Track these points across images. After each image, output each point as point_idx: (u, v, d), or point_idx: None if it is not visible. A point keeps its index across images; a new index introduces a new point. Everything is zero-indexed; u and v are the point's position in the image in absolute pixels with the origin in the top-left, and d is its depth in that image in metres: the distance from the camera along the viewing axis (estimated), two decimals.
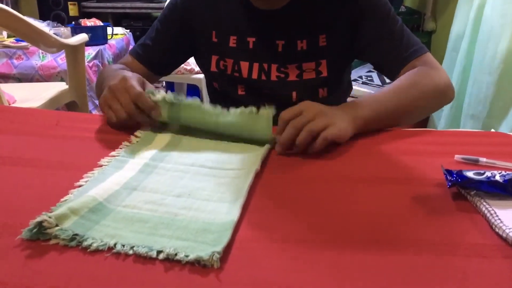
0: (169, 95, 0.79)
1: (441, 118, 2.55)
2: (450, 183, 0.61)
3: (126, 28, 3.22)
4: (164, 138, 0.79)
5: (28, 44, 2.37)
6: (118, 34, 2.91)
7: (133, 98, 0.79)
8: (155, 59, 1.07)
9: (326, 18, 0.96)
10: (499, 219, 0.55)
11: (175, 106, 0.79)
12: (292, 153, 0.75)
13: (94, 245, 0.49)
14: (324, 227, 0.55)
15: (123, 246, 0.49)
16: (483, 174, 0.61)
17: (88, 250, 0.49)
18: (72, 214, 0.53)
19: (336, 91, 1.06)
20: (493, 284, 0.46)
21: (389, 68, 0.98)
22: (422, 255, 0.50)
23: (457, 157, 0.73)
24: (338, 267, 0.48)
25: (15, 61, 2.41)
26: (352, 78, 1.22)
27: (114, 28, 2.84)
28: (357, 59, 1.06)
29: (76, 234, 0.50)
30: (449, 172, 0.62)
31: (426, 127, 2.19)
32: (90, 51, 2.43)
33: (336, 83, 1.05)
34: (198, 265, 0.47)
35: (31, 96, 1.90)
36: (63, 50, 2.02)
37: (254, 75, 1.00)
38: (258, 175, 0.67)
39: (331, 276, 0.46)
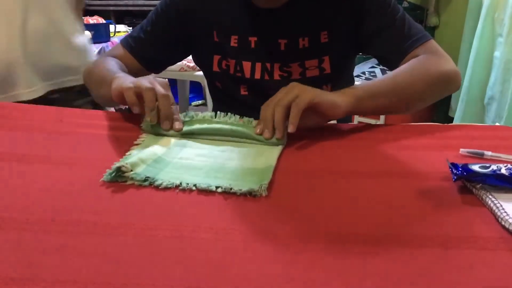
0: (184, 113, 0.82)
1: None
2: (455, 177, 0.61)
3: (129, 26, 3.21)
4: (170, 139, 0.77)
5: None
6: (121, 32, 2.90)
7: (161, 94, 0.76)
8: (149, 54, 1.03)
9: (326, 14, 0.96)
10: (505, 212, 0.54)
11: (189, 120, 0.80)
12: (295, 146, 0.75)
13: (164, 184, 0.61)
14: (329, 221, 0.55)
15: (187, 184, 0.62)
16: (488, 167, 0.61)
17: (159, 188, 0.61)
18: (141, 162, 0.66)
19: (340, 87, 1.06)
20: (499, 276, 0.46)
21: (390, 59, 0.96)
22: (428, 248, 0.50)
23: (462, 150, 0.73)
24: (344, 261, 0.48)
25: None
26: (355, 74, 1.22)
27: (116, 25, 2.84)
28: (360, 53, 1.06)
29: (148, 177, 0.62)
30: (454, 165, 0.62)
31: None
32: (93, 49, 2.43)
33: (340, 79, 1.05)
34: (250, 196, 0.59)
35: None
36: None
37: (257, 75, 0.99)
38: None
39: (336, 269, 0.46)
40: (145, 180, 0.62)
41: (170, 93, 0.78)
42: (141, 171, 0.64)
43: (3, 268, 0.45)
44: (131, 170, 0.63)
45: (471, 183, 0.62)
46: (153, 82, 0.77)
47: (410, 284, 0.44)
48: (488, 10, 2.35)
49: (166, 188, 0.61)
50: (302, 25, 0.96)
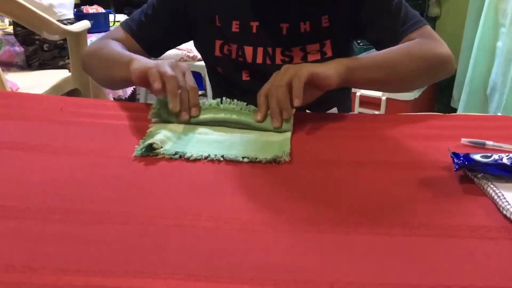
0: None
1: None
2: (457, 166, 0.61)
3: (128, 15, 3.19)
4: (179, 125, 0.78)
5: None
6: (120, 21, 2.89)
7: (189, 87, 0.77)
8: (150, 37, 1.02)
9: None
10: (506, 201, 0.54)
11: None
12: (296, 136, 0.75)
13: (193, 156, 0.67)
14: (331, 210, 0.55)
15: (215, 155, 0.67)
16: (490, 157, 0.61)
17: (189, 160, 0.66)
18: (167, 140, 0.70)
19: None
20: (499, 265, 0.46)
21: (386, 43, 0.96)
22: (430, 237, 0.50)
23: (464, 140, 0.73)
24: (345, 249, 0.48)
25: (17, 48, 2.40)
26: None
27: (116, 15, 2.83)
28: (357, 38, 1.06)
29: (177, 152, 0.67)
30: (456, 155, 0.62)
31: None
32: (93, 38, 2.42)
33: None
34: (274, 163, 0.65)
35: (34, 83, 1.90)
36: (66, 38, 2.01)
37: (259, 60, 0.99)
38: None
39: (338, 257, 0.46)
40: (175, 154, 0.67)
41: (191, 79, 0.79)
42: (169, 147, 0.68)
43: (5, 256, 0.45)
44: (161, 147, 0.68)
45: (472, 173, 0.62)
46: (175, 69, 0.78)
47: (411, 273, 0.44)
48: (491, 0, 2.34)
49: (195, 160, 0.66)
50: (303, 9, 0.96)
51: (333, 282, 0.43)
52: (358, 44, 2.59)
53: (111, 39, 1.00)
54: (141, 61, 0.81)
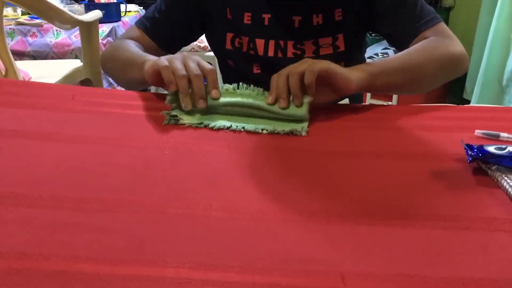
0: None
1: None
2: (470, 158, 0.60)
3: (140, 5, 3.19)
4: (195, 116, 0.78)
5: (43, 21, 2.37)
6: (132, 11, 2.89)
7: (206, 71, 0.76)
8: (165, 34, 1.02)
9: None
10: None
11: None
12: (312, 126, 0.74)
13: (216, 126, 0.73)
14: (342, 200, 0.55)
15: (237, 126, 0.74)
16: (504, 149, 0.60)
17: (213, 129, 0.73)
18: (193, 111, 0.76)
19: (354, 65, 1.04)
20: None
21: (400, 39, 0.96)
22: (442, 228, 0.49)
23: (478, 132, 0.72)
24: (356, 240, 0.47)
25: (29, 38, 2.42)
26: (367, 56, 1.21)
27: (127, 5, 2.82)
28: (371, 31, 1.04)
29: (201, 122, 0.74)
30: (469, 146, 0.61)
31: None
32: (104, 28, 2.42)
33: (354, 57, 1.03)
34: (291, 134, 0.71)
35: (46, 73, 1.90)
36: (77, 27, 2.02)
37: (270, 53, 0.98)
38: (274, 150, 0.67)
39: (348, 248, 0.46)
40: (199, 124, 0.74)
41: (206, 64, 0.78)
42: (195, 118, 0.75)
43: (16, 243, 0.46)
44: (188, 121, 0.74)
45: (486, 165, 0.61)
46: (187, 61, 0.77)
47: (423, 264, 0.44)
48: None
49: (218, 129, 0.73)
50: (316, 2, 0.95)
51: (343, 273, 0.43)
52: (370, 35, 2.57)
53: (127, 39, 1.00)
54: (153, 61, 0.80)
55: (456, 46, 0.91)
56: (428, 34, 0.91)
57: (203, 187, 0.57)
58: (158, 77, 0.77)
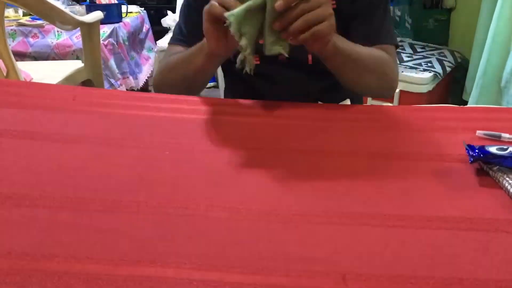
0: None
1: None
2: (472, 159, 0.60)
3: (141, 6, 3.20)
4: None
5: (44, 22, 2.38)
6: (133, 12, 2.90)
7: None
8: (200, 37, 1.05)
9: None
10: None
11: None
12: (306, 124, 0.74)
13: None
14: (344, 201, 0.54)
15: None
16: (506, 149, 0.60)
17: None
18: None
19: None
20: None
21: (359, 38, 0.95)
22: (443, 229, 0.49)
23: (479, 132, 0.72)
24: (358, 240, 0.47)
25: (31, 39, 2.42)
26: None
27: (128, 6, 2.83)
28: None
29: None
30: (471, 147, 0.61)
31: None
32: (105, 29, 2.42)
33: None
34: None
35: (47, 74, 1.91)
36: (78, 28, 2.02)
37: None
38: (273, 149, 0.67)
39: (350, 248, 0.46)
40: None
41: None
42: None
43: (17, 243, 0.46)
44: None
45: (487, 165, 0.61)
46: None
47: (425, 265, 0.44)
48: None
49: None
50: None
51: (345, 273, 0.43)
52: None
53: (174, 54, 1.01)
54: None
55: (396, 73, 0.95)
56: (383, 49, 0.93)
57: (204, 188, 0.57)
58: (215, 27, 0.79)
